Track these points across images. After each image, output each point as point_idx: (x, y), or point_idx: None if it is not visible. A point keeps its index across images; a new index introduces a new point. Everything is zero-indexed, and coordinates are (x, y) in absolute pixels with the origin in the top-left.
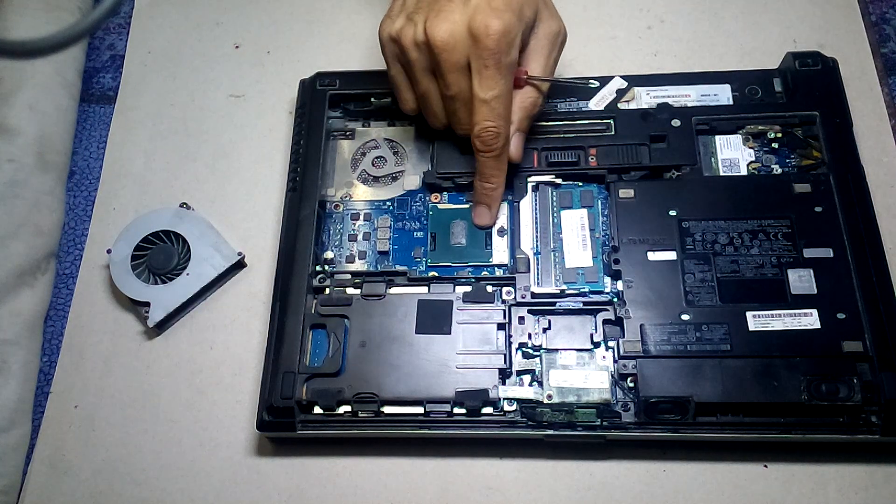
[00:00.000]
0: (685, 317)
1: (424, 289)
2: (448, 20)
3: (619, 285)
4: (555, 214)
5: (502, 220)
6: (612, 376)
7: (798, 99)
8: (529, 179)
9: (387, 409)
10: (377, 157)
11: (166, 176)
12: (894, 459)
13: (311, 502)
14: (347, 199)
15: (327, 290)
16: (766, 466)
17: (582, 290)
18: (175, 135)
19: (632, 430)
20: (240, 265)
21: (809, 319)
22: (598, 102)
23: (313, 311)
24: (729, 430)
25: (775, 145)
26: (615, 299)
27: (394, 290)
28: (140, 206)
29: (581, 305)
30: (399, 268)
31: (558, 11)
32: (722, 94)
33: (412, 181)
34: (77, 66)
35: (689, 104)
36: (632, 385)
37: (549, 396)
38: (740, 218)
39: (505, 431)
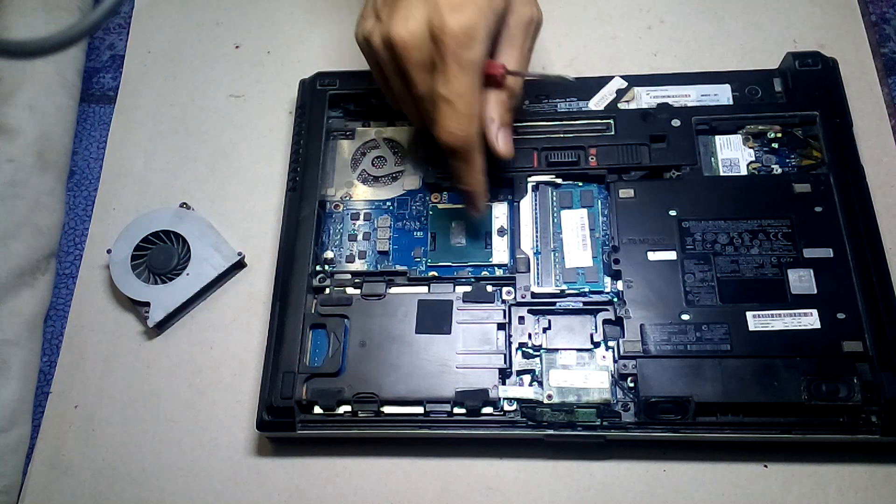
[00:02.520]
0: (685, 317)
1: (424, 289)
2: (409, 17)
3: (619, 285)
4: (555, 214)
5: (502, 220)
6: (612, 376)
7: (798, 99)
8: (529, 179)
9: (387, 409)
10: (377, 157)
11: (166, 176)
12: (894, 459)
13: (311, 502)
14: (347, 199)
15: (327, 290)
16: (766, 466)
17: (582, 290)
18: (175, 135)
19: (632, 430)
20: (240, 265)
21: (809, 319)
22: (598, 102)
23: (313, 311)
24: (729, 430)
25: (775, 145)
26: (615, 299)
27: (394, 290)
28: (140, 206)
29: (581, 305)
30: (399, 268)
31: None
32: (722, 94)
33: (412, 181)
34: (77, 66)
35: (689, 104)
36: (632, 385)
37: (549, 396)
38: (740, 218)
39: (505, 431)
